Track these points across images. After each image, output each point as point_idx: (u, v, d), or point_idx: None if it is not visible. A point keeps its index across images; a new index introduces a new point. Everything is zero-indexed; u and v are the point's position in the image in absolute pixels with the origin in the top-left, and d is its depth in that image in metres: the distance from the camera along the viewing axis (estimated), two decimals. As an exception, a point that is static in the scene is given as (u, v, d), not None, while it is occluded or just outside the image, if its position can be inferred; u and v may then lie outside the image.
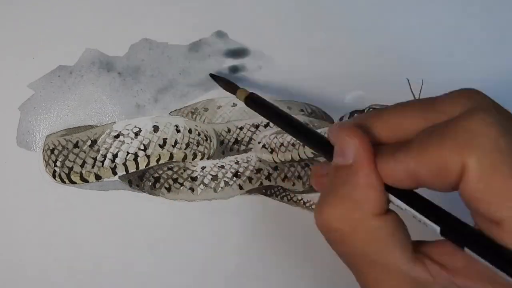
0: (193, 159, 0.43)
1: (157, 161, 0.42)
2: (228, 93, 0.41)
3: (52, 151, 0.42)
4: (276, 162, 0.44)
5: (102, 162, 0.42)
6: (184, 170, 0.43)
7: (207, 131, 0.44)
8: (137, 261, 0.43)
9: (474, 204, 0.25)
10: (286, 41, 0.44)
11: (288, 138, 0.43)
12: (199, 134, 0.43)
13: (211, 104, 0.45)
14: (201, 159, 0.44)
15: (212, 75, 0.43)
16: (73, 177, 0.42)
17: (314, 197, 0.44)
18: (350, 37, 0.44)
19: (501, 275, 0.23)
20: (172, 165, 0.43)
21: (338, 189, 0.28)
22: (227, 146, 0.45)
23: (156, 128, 0.42)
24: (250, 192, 0.44)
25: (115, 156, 0.42)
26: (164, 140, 0.42)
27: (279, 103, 0.45)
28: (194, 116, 0.44)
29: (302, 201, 0.44)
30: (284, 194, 0.44)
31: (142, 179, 0.43)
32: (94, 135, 0.42)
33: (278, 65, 0.44)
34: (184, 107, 0.44)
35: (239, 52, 0.43)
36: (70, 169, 0.42)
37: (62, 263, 0.43)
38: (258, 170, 0.44)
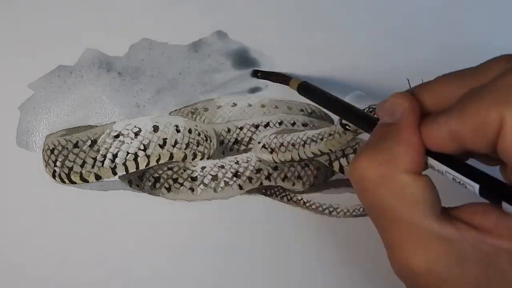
0: (193, 159, 0.43)
1: (157, 161, 0.42)
2: (228, 93, 0.41)
3: (52, 151, 0.42)
4: (276, 162, 0.44)
5: (102, 162, 0.42)
6: (184, 170, 0.43)
7: (207, 131, 0.44)
8: (137, 261, 0.43)
9: (510, 158, 0.25)
10: (286, 41, 0.44)
11: (288, 138, 0.43)
12: (199, 134, 0.43)
13: (211, 104, 0.45)
14: (201, 159, 0.44)
15: (257, 71, 0.44)
16: (73, 177, 0.42)
17: (314, 197, 0.44)
18: (350, 37, 0.44)
19: None
20: (172, 165, 0.43)
21: (379, 142, 0.28)
22: (227, 146, 0.45)
23: (156, 128, 0.42)
24: (250, 192, 0.44)
25: (115, 156, 0.42)
26: (164, 140, 0.42)
27: (279, 103, 0.45)
28: (194, 116, 0.44)
29: (302, 201, 0.44)
30: (284, 194, 0.44)
31: (142, 179, 0.43)
32: (94, 135, 0.42)
33: (278, 64, 0.44)
34: (184, 107, 0.44)
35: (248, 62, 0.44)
36: (70, 169, 0.42)
37: (62, 263, 0.43)
38: (258, 170, 0.44)
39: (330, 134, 0.41)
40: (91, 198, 0.43)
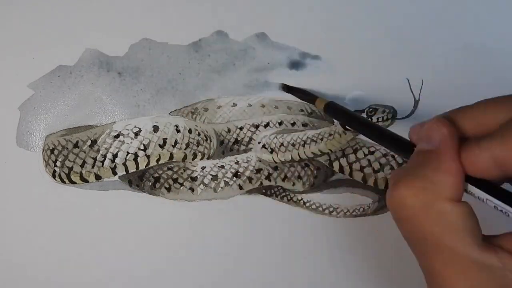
0: (193, 159, 0.43)
1: (157, 161, 0.42)
2: (228, 93, 0.41)
3: (52, 151, 0.42)
4: (276, 162, 0.44)
5: (102, 162, 0.42)
6: (184, 170, 0.43)
7: (207, 131, 0.44)
8: (137, 261, 0.43)
9: None
10: (286, 40, 0.44)
11: (288, 138, 0.43)
12: (199, 134, 0.43)
13: (211, 104, 0.44)
14: (201, 159, 0.44)
15: (286, 86, 0.44)
16: (73, 177, 0.42)
17: (314, 197, 0.44)
18: (351, 36, 0.44)
19: None
20: (172, 165, 0.43)
21: (418, 169, 0.28)
22: (227, 146, 0.45)
23: (156, 128, 0.42)
24: (250, 192, 0.44)
25: (115, 156, 0.42)
26: (164, 140, 0.42)
27: (279, 103, 0.45)
28: (194, 116, 0.44)
29: (302, 201, 0.44)
30: (284, 194, 0.44)
31: (142, 179, 0.43)
32: (94, 135, 0.42)
33: (281, 64, 0.44)
34: (184, 107, 0.44)
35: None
36: (70, 169, 0.42)
37: (62, 263, 0.43)
38: (258, 170, 0.44)
39: (330, 134, 0.41)
40: (91, 198, 0.43)
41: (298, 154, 0.43)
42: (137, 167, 0.42)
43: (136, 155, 0.42)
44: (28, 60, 0.43)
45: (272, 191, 0.44)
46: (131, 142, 0.42)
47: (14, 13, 0.43)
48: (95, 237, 0.43)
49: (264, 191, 0.44)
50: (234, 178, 0.43)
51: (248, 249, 0.44)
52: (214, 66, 0.44)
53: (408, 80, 0.41)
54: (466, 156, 0.28)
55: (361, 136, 0.43)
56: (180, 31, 0.43)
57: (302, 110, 0.45)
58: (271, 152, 0.44)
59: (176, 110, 0.44)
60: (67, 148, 0.42)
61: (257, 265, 0.44)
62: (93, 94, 0.43)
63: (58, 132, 0.43)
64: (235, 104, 0.45)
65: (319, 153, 0.42)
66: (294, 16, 0.44)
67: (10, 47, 0.43)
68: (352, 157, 0.43)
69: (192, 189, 0.43)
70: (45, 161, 0.43)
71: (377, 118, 0.39)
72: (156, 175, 0.43)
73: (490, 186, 0.28)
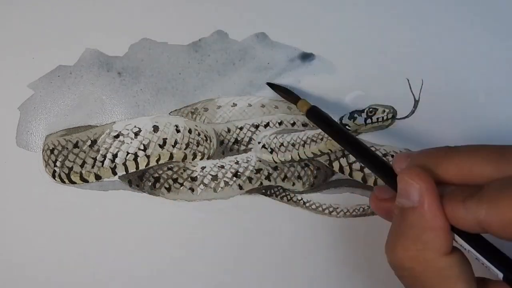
0: (193, 159, 0.43)
1: (157, 161, 0.42)
2: (228, 93, 0.41)
3: (52, 151, 0.42)
4: (276, 162, 0.44)
5: (102, 162, 0.42)
6: (184, 170, 0.43)
7: (207, 131, 0.44)
8: (137, 261, 0.43)
9: None
10: (286, 40, 0.44)
11: (288, 138, 0.43)
12: (199, 134, 0.43)
13: (211, 104, 0.44)
14: (201, 159, 0.44)
15: (269, 84, 0.43)
16: (73, 177, 0.42)
17: (314, 197, 0.44)
18: (351, 36, 0.44)
19: None
20: (172, 165, 0.43)
21: (407, 231, 0.30)
22: (227, 146, 0.45)
23: (156, 128, 0.42)
24: (250, 192, 0.44)
25: (115, 156, 0.42)
26: (164, 140, 0.42)
27: (279, 103, 0.45)
28: (194, 116, 0.44)
29: (302, 201, 0.44)
30: (284, 194, 0.44)
31: (142, 179, 0.43)
32: (94, 135, 0.42)
33: (281, 65, 0.44)
34: (184, 107, 0.44)
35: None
36: (70, 169, 0.42)
37: (62, 263, 0.43)
38: (258, 170, 0.44)
39: (330, 134, 0.41)
40: (91, 198, 0.43)
41: (298, 154, 0.43)
42: (137, 167, 0.42)
43: (136, 155, 0.42)
44: (28, 60, 0.43)
45: (272, 191, 0.44)
46: (131, 142, 0.42)
47: (14, 13, 0.43)
48: (95, 237, 0.43)
49: (264, 191, 0.44)
50: (234, 178, 0.43)
51: (248, 249, 0.44)
52: (214, 66, 0.44)
53: (408, 80, 0.41)
54: (451, 212, 0.28)
55: (361, 136, 0.43)
56: (180, 31, 0.43)
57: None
58: (271, 152, 0.44)
59: (176, 110, 0.44)
60: (67, 148, 0.42)
61: (257, 265, 0.44)
62: (93, 94, 0.43)
63: (58, 132, 0.43)
64: (235, 104, 0.45)
65: (319, 153, 0.42)
66: (294, 16, 0.44)
67: (10, 47, 0.43)
68: (352, 157, 0.43)
69: (192, 189, 0.43)
70: (45, 161, 0.43)
71: (377, 118, 0.39)
72: (156, 175, 0.43)
73: (473, 239, 0.28)
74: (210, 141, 0.44)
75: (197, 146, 0.43)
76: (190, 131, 0.43)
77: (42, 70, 0.43)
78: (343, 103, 0.44)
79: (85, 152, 0.42)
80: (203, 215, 0.43)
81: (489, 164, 0.29)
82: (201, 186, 0.43)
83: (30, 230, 0.43)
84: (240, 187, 0.43)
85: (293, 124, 0.45)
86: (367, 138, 0.43)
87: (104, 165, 0.42)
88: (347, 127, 0.40)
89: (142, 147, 0.42)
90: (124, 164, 0.42)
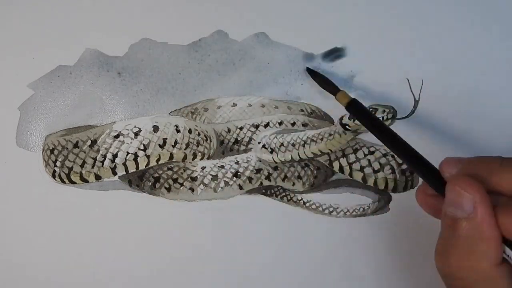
0: (193, 159, 0.43)
1: (157, 161, 0.42)
2: (228, 93, 0.41)
3: (52, 151, 0.42)
4: (276, 162, 0.44)
5: (102, 162, 0.42)
6: (184, 170, 0.43)
7: (207, 131, 0.44)
8: (137, 261, 0.43)
9: None
10: (286, 40, 0.44)
11: (288, 138, 0.43)
12: (199, 134, 0.43)
13: (211, 104, 0.44)
14: (201, 159, 0.44)
15: (309, 70, 0.43)
16: (73, 177, 0.42)
17: (314, 197, 0.44)
18: (351, 36, 0.44)
19: None
20: (172, 165, 0.43)
21: (461, 242, 0.30)
22: (227, 146, 0.45)
23: (156, 128, 0.42)
24: (250, 192, 0.44)
25: (115, 156, 0.42)
26: (164, 140, 0.42)
27: (279, 103, 0.45)
28: (194, 116, 0.44)
29: (302, 201, 0.44)
30: (284, 194, 0.44)
31: (142, 179, 0.43)
32: (94, 135, 0.42)
33: (281, 64, 0.44)
34: (184, 107, 0.44)
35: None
36: (70, 169, 0.42)
37: (62, 262, 0.43)
38: (258, 170, 0.44)
39: (330, 134, 0.41)
40: (91, 198, 0.43)
41: (298, 154, 0.43)
42: (137, 167, 0.42)
43: (136, 155, 0.42)
44: (28, 60, 0.43)
45: (272, 191, 0.44)
46: (131, 142, 0.42)
47: (14, 13, 0.43)
48: (95, 237, 0.43)
49: (264, 191, 0.44)
50: (234, 178, 0.43)
51: (248, 249, 0.43)
52: (214, 66, 0.44)
53: (408, 80, 0.41)
54: (506, 223, 0.29)
55: (362, 136, 0.43)
56: (180, 31, 0.43)
57: (302, 110, 0.45)
58: (271, 152, 0.44)
59: (176, 110, 0.44)
60: (67, 148, 0.42)
61: (257, 265, 0.44)
62: (93, 94, 0.43)
63: (58, 132, 0.43)
64: (235, 104, 0.45)
65: (319, 153, 0.42)
66: (294, 16, 0.44)
67: (10, 47, 0.43)
68: (352, 157, 0.43)
69: (192, 189, 0.43)
70: (45, 161, 0.43)
71: (377, 118, 0.39)
72: (156, 175, 0.43)
73: None
74: (210, 141, 0.44)
75: (197, 146, 0.43)
76: (190, 131, 0.43)
77: (42, 70, 0.43)
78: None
79: (85, 152, 0.42)
80: (203, 215, 0.43)
81: None
82: (201, 186, 0.43)
83: (30, 230, 0.43)
84: (240, 187, 0.43)
85: (293, 124, 0.45)
86: (367, 138, 0.43)
87: (104, 165, 0.42)
88: (347, 127, 0.40)
89: (142, 147, 0.42)
90: (124, 164, 0.42)
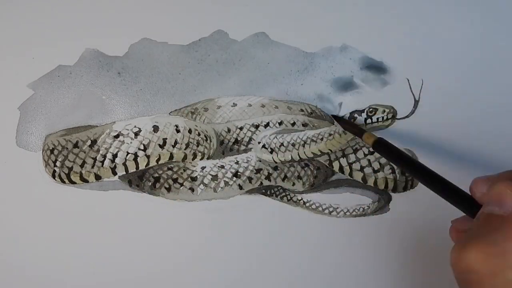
0: (193, 159, 0.43)
1: (157, 161, 0.42)
2: (228, 93, 0.41)
3: (51, 151, 0.42)
4: (276, 162, 0.44)
5: (102, 162, 0.42)
6: (184, 170, 0.43)
7: (207, 131, 0.44)
8: (137, 261, 0.43)
9: None
10: (286, 40, 0.44)
11: (288, 138, 0.43)
12: (199, 134, 0.43)
13: (211, 104, 0.44)
14: (201, 159, 0.44)
15: (335, 116, 0.43)
16: (73, 177, 0.42)
17: (314, 197, 0.44)
18: (351, 36, 0.44)
19: None
20: (172, 165, 0.43)
21: (488, 236, 0.29)
22: (227, 146, 0.45)
23: (156, 128, 0.42)
24: (250, 192, 0.44)
25: (115, 156, 0.42)
26: (164, 140, 0.42)
27: (279, 103, 0.45)
28: (194, 116, 0.44)
29: (302, 201, 0.44)
30: (284, 194, 0.44)
31: (142, 179, 0.43)
32: (94, 135, 0.42)
33: (281, 64, 0.44)
34: (184, 107, 0.44)
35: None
36: (70, 169, 0.42)
37: (62, 262, 0.43)
38: (258, 170, 0.44)
39: (330, 134, 0.41)
40: (91, 198, 0.43)
41: (298, 154, 0.43)
42: (137, 167, 0.42)
43: (136, 155, 0.42)
44: (28, 60, 0.43)
45: (272, 191, 0.44)
46: (131, 142, 0.42)
47: (14, 13, 0.43)
48: (95, 237, 0.43)
49: (264, 191, 0.44)
50: (234, 178, 0.43)
51: (248, 248, 0.44)
52: (214, 66, 0.44)
53: (408, 80, 0.41)
54: None
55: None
56: (180, 31, 0.43)
57: (302, 110, 0.45)
58: (271, 152, 0.44)
59: (176, 110, 0.44)
60: (67, 148, 0.42)
61: (257, 265, 0.44)
62: (93, 94, 0.43)
63: (58, 132, 0.43)
64: (235, 104, 0.45)
65: (319, 153, 0.42)
66: (294, 16, 0.44)
67: (10, 47, 0.43)
68: (352, 157, 0.43)
69: (192, 189, 0.43)
70: (45, 161, 0.43)
71: (377, 118, 0.39)
72: (156, 175, 0.43)
73: None
74: (210, 141, 0.44)
75: (197, 146, 0.43)
76: (190, 131, 0.43)
77: (42, 70, 0.43)
78: (342, 102, 0.44)
79: (85, 152, 0.42)
80: (203, 215, 0.43)
81: None
82: (201, 186, 0.43)
83: (30, 230, 0.43)
84: (240, 187, 0.43)
85: (293, 124, 0.45)
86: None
87: (104, 165, 0.42)
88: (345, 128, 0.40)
89: (142, 147, 0.42)
90: (124, 164, 0.42)
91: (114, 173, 0.42)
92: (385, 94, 0.43)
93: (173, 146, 0.42)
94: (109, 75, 0.43)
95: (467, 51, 0.44)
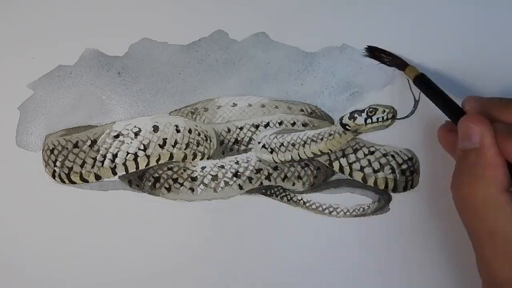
0: (193, 159, 0.43)
1: (157, 161, 0.42)
2: (228, 93, 0.41)
3: (51, 151, 0.42)
4: (276, 162, 0.44)
5: (102, 162, 0.42)
6: (184, 170, 0.43)
7: (207, 131, 0.44)
8: (137, 261, 0.43)
9: None
10: (286, 40, 0.44)
11: (288, 138, 0.43)
12: (199, 134, 0.43)
13: (211, 104, 0.44)
14: (201, 159, 0.44)
15: (371, 48, 0.43)
16: (73, 177, 0.42)
17: (314, 197, 0.44)
18: (351, 35, 0.44)
19: None
20: (172, 165, 0.43)
21: (471, 170, 0.34)
22: (227, 146, 0.45)
23: (156, 128, 0.42)
24: (250, 192, 0.44)
25: (115, 156, 0.42)
26: (164, 140, 0.42)
27: (279, 103, 0.45)
28: (194, 116, 0.44)
29: (302, 201, 0.44)
30: (284, 194, 0.44)
31: (142, 179, 0.43)
32: (94, 135, 0.42)
33: (281, 64, 0.44)
34: (184, 107, 0.44)
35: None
36: (70, 169, 0.42)
37: (61, 262, 0.43)
38: (258, 170, 0.44)
39: (330, 134, 0.41)
40: (91, 198, 0.43)
41: (298, 154, 0.43)
42: (137, 167, 0.42)
43: (136, 155, 0.42)
44: (28, 60, 0.43)
45: (272, 191, 0.44)
46: (131, 142, 0.42)
47: (14, 13, 0.43)
48: (95, 237, 0.43)
49: (264, 191, 0.44)
50: (234, 178, 0.43)
51: (248, 249, 0.44)
52: (214, 66, 0.44)
53: (408, 80, 0.41)
54: (503, 148, 0.32)
55: (362, 136, 0.43)
56: (180, 31, 0.43)
57: (302, 110, 0.45)
58: (271, 152, 0.44)
59: (176, 110, 0.44)
60: (67, 148, 0.42)
61: (257, 265, 0.44)
62: (93, 94, 0.43)
63: (58, 132, 0.43)
64: (235, 104, 0.45)
65: (319, 153, 0.42)
66: (294, 16, 0.44)
67: (10, 47, 0.43)
68: (352, 157, 0.43)
69: (192, 189, 0.43)
70: (45, 161, 0.43)
71: (377, 118, 0.39)
72: (156, 175, 0.43)
73: None
74: (210, 141, 0.44)
75: (197, 146, 0.43)
76: (190, 131, 0.43)
77: (42, 70, 0.43)
78: (343, 101, 0.44)
79: (85, 152, 0.42)
80: (203, 215, 0.43)
81: None
82: (201, 186, 0.43)
83: (30, 230, 0.43)
84: (240, 187, 0.43)
85: (293, 124, 0.45)
86: (367, 138, 0.43)
87: (104, 165, 0.42)
88: (347, 127, 0.40)
89: (142, 147, 0.42)
90: (124, 164, 0.42)
91: (114, 173, 0.42)
92: (385, 94, 0.43)
93: (173, 146, 0.42)
94: (109, 75, 0.43)
95: (468, 51, 0.44)
